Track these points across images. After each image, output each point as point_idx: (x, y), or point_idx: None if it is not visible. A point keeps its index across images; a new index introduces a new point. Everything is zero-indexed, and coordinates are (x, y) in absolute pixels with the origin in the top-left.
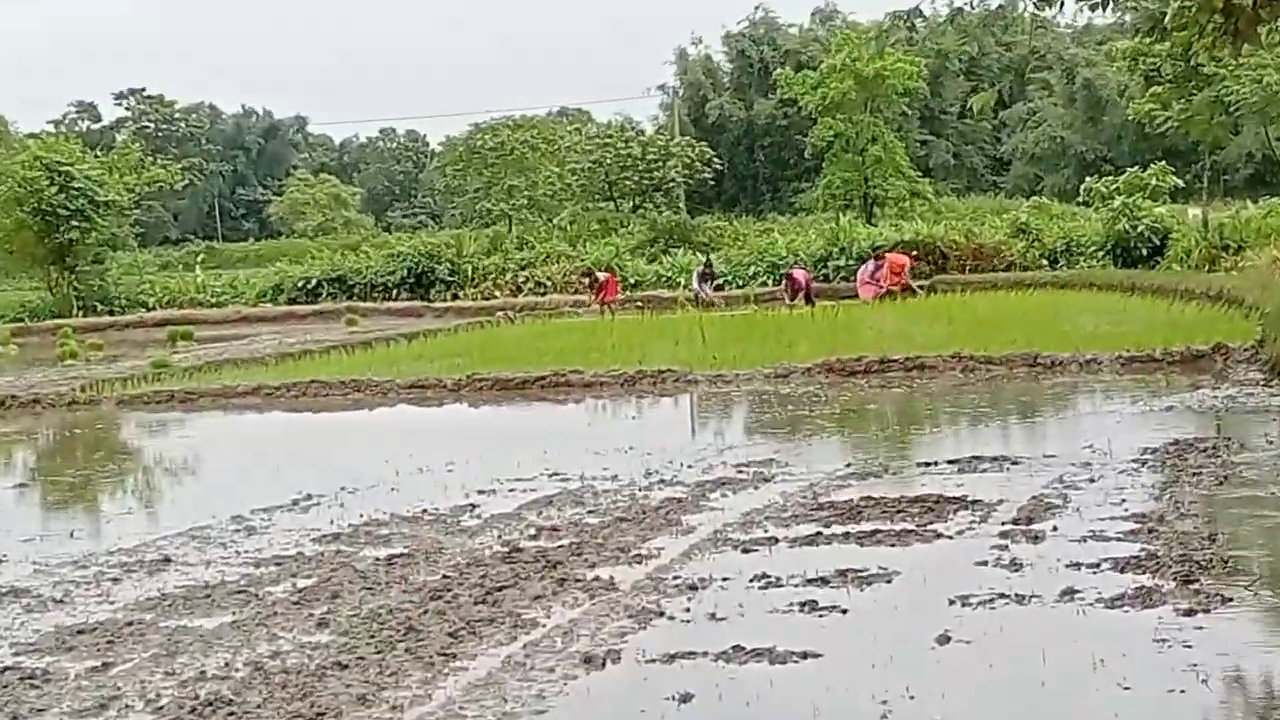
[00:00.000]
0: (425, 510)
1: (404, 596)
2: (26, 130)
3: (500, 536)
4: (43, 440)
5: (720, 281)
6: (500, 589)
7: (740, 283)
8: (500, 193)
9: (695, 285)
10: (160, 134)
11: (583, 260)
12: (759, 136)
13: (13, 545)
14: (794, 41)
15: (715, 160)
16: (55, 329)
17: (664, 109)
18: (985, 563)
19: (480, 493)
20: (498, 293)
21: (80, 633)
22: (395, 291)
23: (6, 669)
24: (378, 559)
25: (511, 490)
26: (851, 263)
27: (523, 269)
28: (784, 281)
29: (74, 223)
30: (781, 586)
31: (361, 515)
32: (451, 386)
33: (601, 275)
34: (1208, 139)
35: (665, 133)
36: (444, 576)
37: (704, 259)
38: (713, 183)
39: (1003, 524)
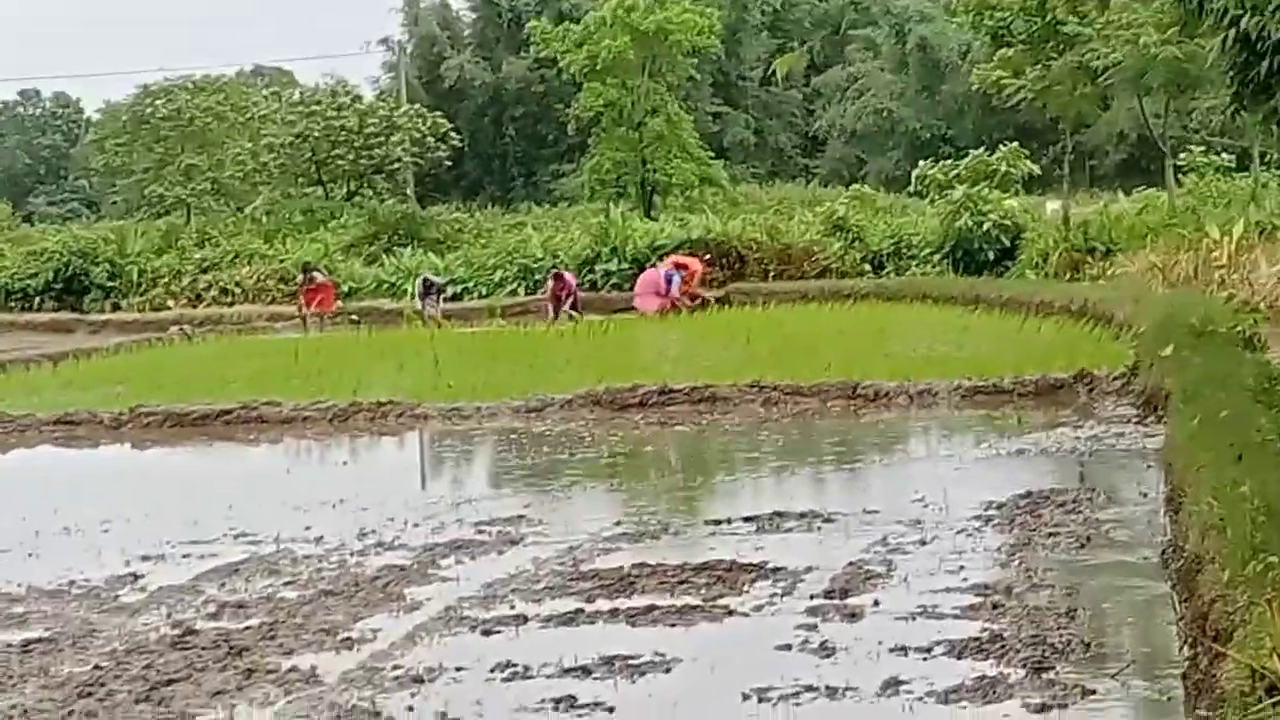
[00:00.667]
0: (73, 582)
1: (43, 694)
2: None
3: (170, 615)
4: None
5: (456, 291)
6: (169, 683)
7: (484, 291)
8: (176, 174)
9: (418, 303)
10: None
11: (282, 261)
12: (509, 105)
13: None
14: None
15: (453, 135)
16: None
17: (387, 69)
18: (789, 646)
19: (145, 559)
20: (171, 302)
21: None
22: (38, 300)
23: None
24: (9, 645)
25: (186, 556)
26: (626, 266)
27: (204, 272)
28: (550, 283)
29: None
30: (531, 678)
31: None
32: (110, 422)
33: (320, 276)
34: (1070, 115)
35: (389, 99)
36: (95, 668)
37: (423, 272)
38: (450, 164)
39: (812, 597)
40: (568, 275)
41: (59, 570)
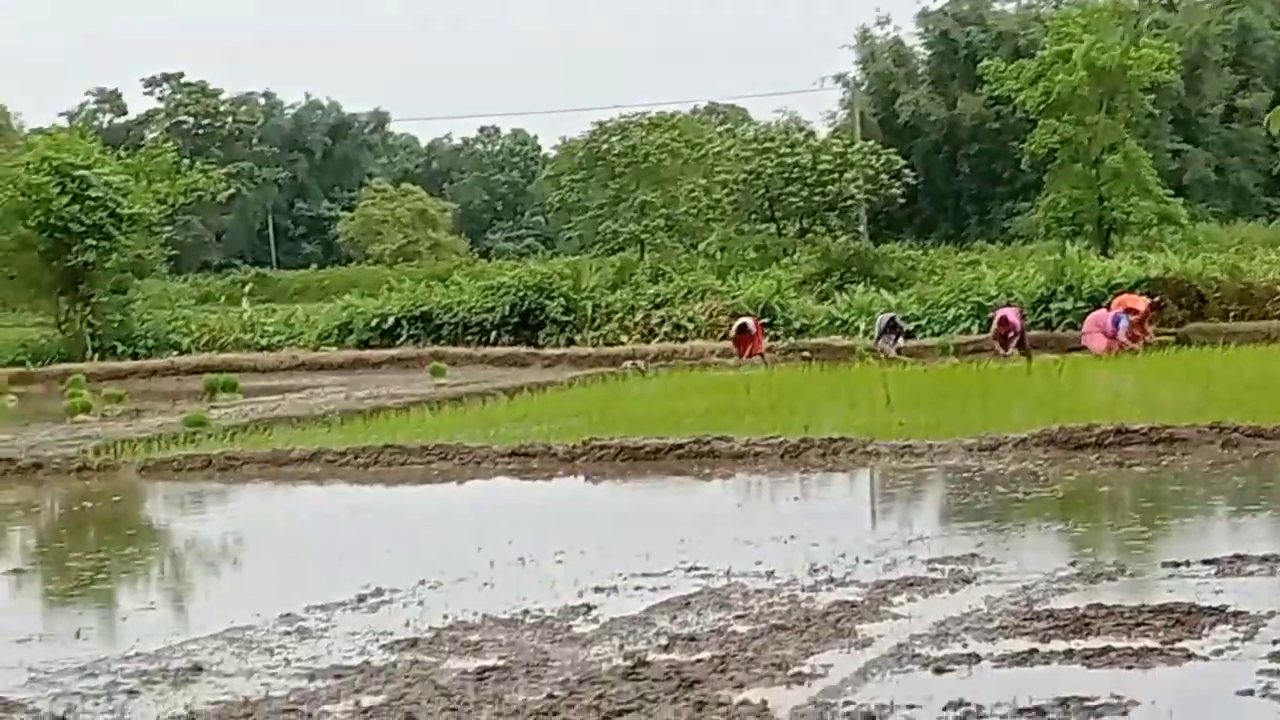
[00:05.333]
0: (527, 611)
1: None
2: (34, 125)
3: (622, 647)
4: (45, 516)
5: (911, 327)
6: (621, 713)
7: (937, 328)
8: (630, 210)
9: (876, 339)
10: (201, 131)
11: (734, 298)
12: (963, 142)
13: (4, 646)
14: (1010, 22)
15: (907, 172)
16: (64, 375)
17: (842, 106)
18: (1251, 692)
19: (598, 590)
20: (624, 337)
21: None
22: (494, 334)
23: None
24: (465, 672)
25: (638, 588)
26: (1081, 305)
27: (657, 307)
28: (993, 326)
29: (90, 241)
30: (985, 717)
31: (446, 616)
32: (564, 455)
33: (751, 324)
34: None
35: (843, 136)
36: (549, 696)
37: (892, 310)
38: (903, 201)
39: (1275, 643)
40: (1011, 315)
41: (513, 600)
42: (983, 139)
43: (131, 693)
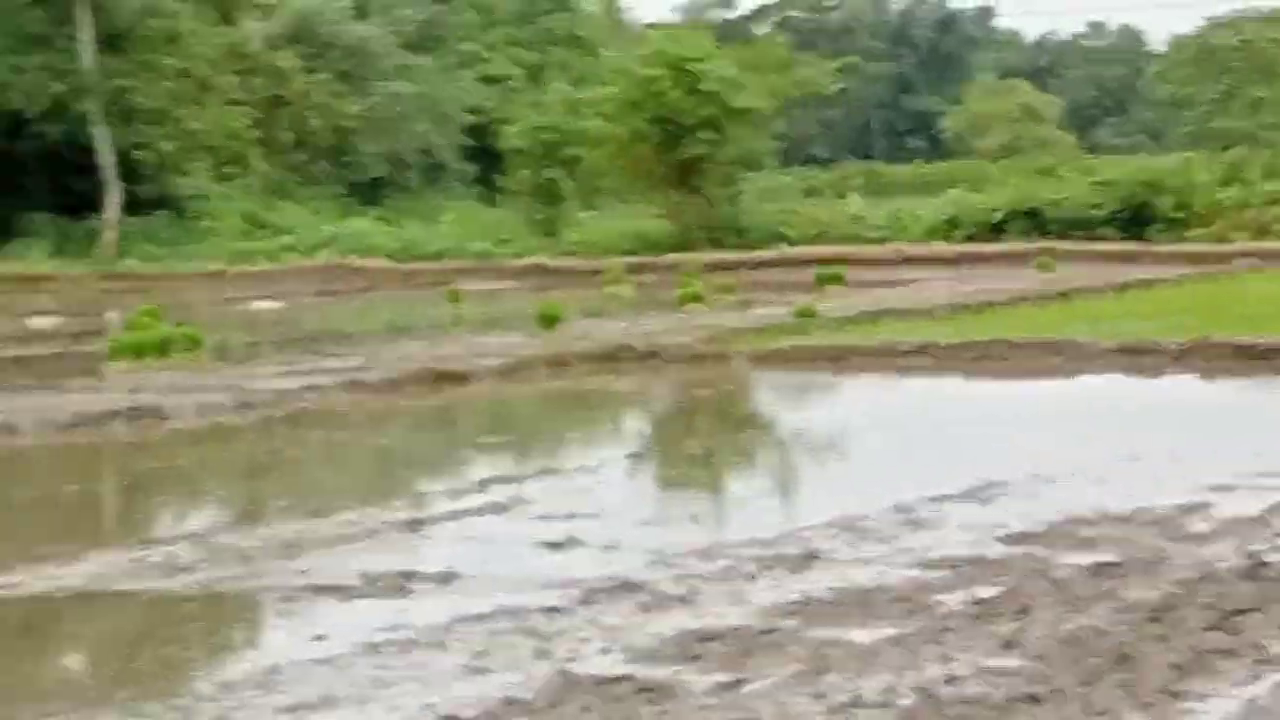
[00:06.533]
0: (1140, 508)
1: (1113, 616)
2: (647, 20)
3: (1241, 547)
4: (659, 402)
5: None
6: (1240, 613)
7: None
8: (1243, 106)
9: None
10: (809, 26)
11: None
12: None
13: (625, 529)
14: None
15: None
16: (675, 265)
17: None
18: None
19: (1214, 489)
20: (1236, 235)
21: (707, 640)
22: (1102, 229)
23: (620, 679)
24: (1079, 567)
25: (1256, 488)
26: None
27: (1271, 204)
28: None
29: (702, 135)
30: None
31: (1058, 511)
32: (1175, 352)
33: None
34: None
35: None
36: (1166, 593)
37: None
38: None
39: None
40: None
41: (1126, 495)
42: None
43: (749, 577)
